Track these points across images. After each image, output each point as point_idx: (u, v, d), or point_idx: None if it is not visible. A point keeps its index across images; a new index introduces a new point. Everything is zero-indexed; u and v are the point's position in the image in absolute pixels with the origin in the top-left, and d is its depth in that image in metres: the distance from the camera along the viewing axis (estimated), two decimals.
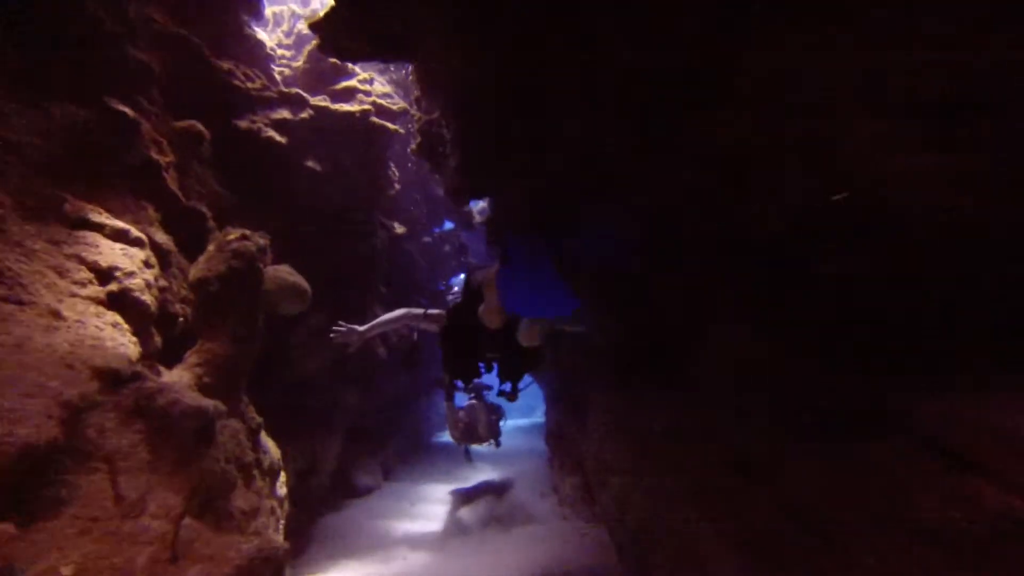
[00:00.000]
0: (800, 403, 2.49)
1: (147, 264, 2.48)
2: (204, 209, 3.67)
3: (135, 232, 2.45)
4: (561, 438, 7.15)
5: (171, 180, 3.09)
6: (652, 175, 3.27)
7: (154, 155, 2.85)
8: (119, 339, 2.00)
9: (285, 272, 2.98)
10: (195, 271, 2.68)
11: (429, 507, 6.51)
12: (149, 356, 2.55)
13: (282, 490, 3.92)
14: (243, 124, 4.05)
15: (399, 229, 6.37)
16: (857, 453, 2.13)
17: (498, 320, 3.40)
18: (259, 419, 3.46)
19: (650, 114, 2.99)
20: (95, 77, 2.46)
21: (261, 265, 2.87)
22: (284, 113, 4.37)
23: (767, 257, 2.47)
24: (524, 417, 17.78)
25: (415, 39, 3.49)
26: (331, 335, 3.78)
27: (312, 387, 5.81)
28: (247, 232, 2.86)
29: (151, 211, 2.83)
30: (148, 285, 2.42)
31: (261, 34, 5.77)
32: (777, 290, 2.40)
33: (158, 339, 2.54)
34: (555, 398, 7.88)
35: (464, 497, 6.88)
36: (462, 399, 6.59)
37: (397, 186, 6.44)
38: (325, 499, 6.19)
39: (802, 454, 2.47)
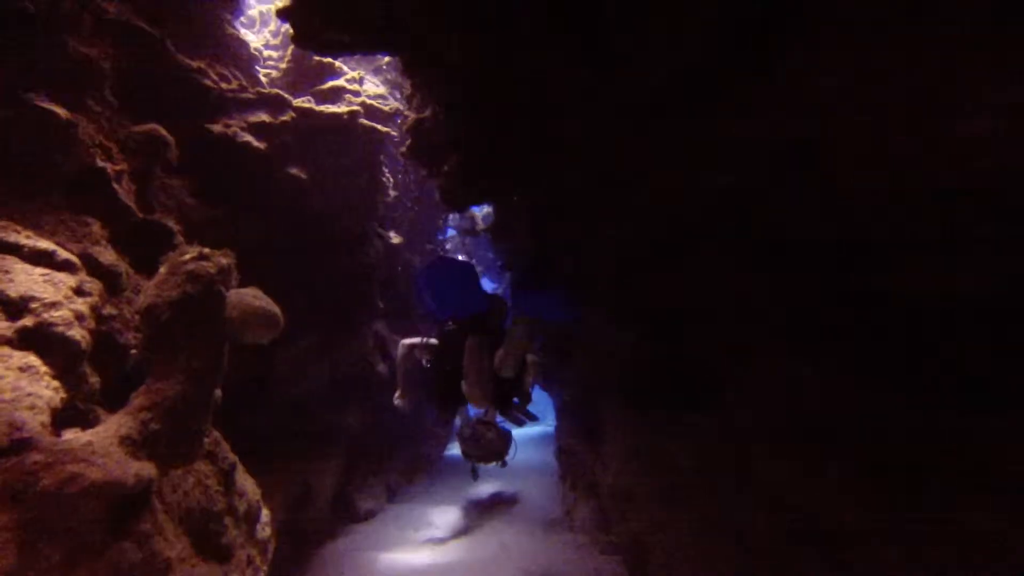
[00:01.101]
0: (885, 451, 2.04)
1: (80, 291, 2.10)
2: (171, 224, 3.29)
3: (64, 253, 2.07)
4: (573, 457, 6.73)
5: (124, 191, 2.71)
6: (673, 176, 2.86)
7: (100, 162, 2.47)
8: (25, 388, 1.61)
9: (250, 296, 2.58)
10: (143, 298, 2.29)
11: (434, 534, 6.09)
12: (85, 400, 2.17)
13: (264, 532, 3.53)
14: (216, 128, 3.68)
15: (396, 238, 5.98)
16: (962, 520, 1.69)
17: (483, 402, 3.69)
18: (232, 458, 3.06)
19: (668, 112, 2.59)
20: (15, 71, 2.09)
21: (223, 289, 2.48)
22: (263, 116, 3.99)
23: (831, 268, 2.04)
24: (533, 424, 17.26)
25: (403, 29, 3.11)
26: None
27: (306, 409, 5.44)
28: (205, 251, 2.47)
29: (96, 228, 2.45)
30: (79, 317, 2.03)
31: (247, 34, 5.43)
32: (849, 308, 1.97)
33: (95, 380, 2.16)
34: (566, 412, 7.46)
35: (471, 522, 6.47)
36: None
37: (393, 193, 6.06)
38: (323, 526, 5.79)
39: (887, 519, 2.01)
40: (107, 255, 2.43)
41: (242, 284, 3.49)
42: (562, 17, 2.39)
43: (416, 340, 4.40)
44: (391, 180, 5.69)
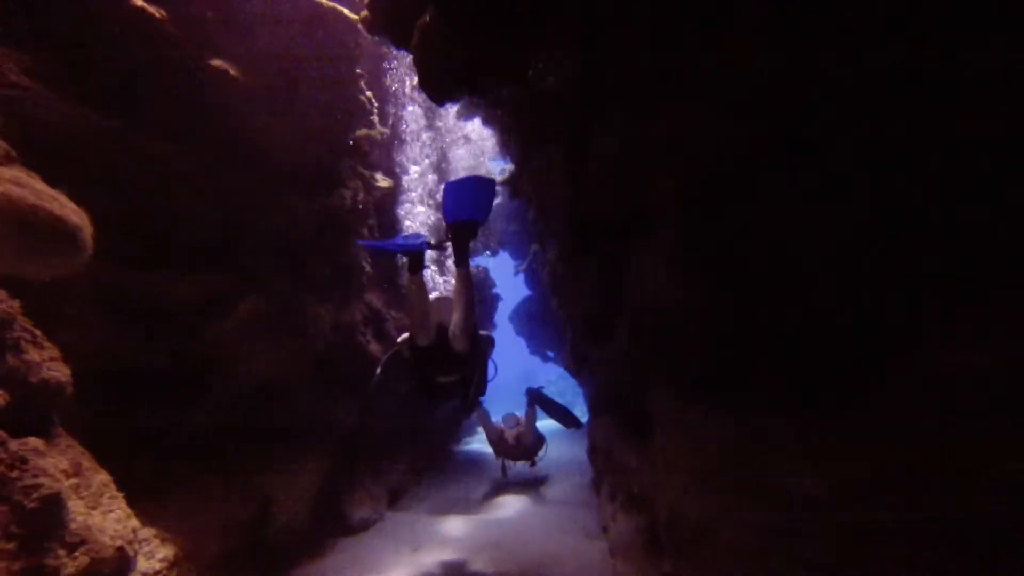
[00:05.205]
0: None
1: None
2: None
3: None
4: (611, 458, 5.39)
5: None
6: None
7: None
8: None
9: (6, 181, 1.29)
10: None
11: (437, 554, 4.85)
12: None
13: None
14: None
15: (383, 181, 4.66)
16: None
17: (427, 335, 3.43)
18: (54, 487, 1.81)
19: None
20: None
21: None
22: None
23: None
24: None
25: None
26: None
27: (267, 398, 4.21)
28: None
29: None
30: None
31: None
32: None
33: None
34: (602, 404, 6.10)
35: (484, 537, 5.22)
36: None
37: (382, 129, 4.75)
38: (291, 547, 4.59)
39: None
40: None
41: (137, 227, 2.24)
42: None
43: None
44: (374, 105, 4.37)
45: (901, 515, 1.81)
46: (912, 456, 1.79)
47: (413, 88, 5.37)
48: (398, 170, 5.72)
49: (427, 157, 6.42)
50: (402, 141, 5.87)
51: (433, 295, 3.72)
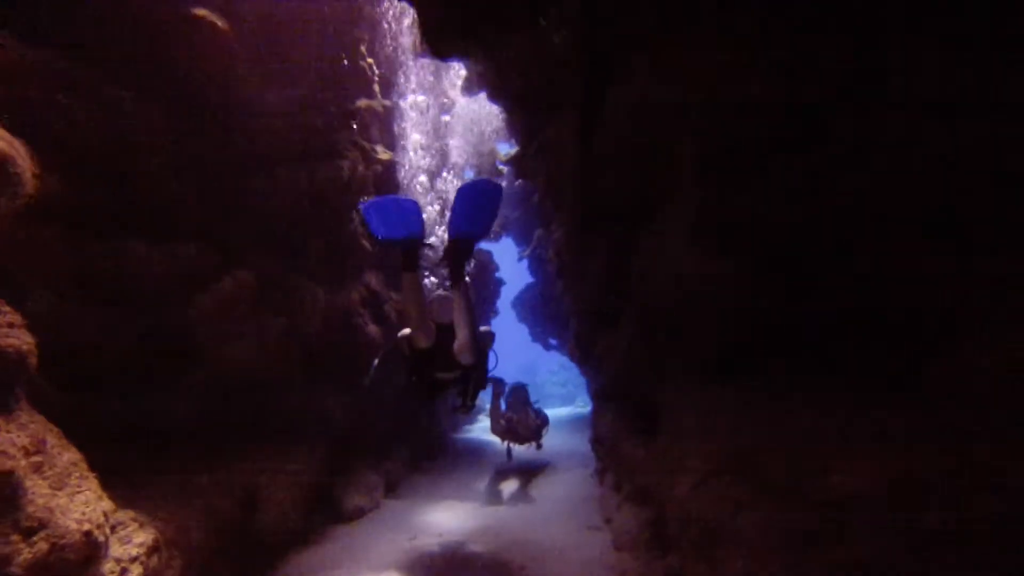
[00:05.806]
0: None
1: None
2: None
3: None
4: (615, 450, 5.21)
5: None
6: None
7: None
8: None
9: None
10: None
11: (433, 543, 4.69)
12: None
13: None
14: None
15: (384, 154, 4.44)
16: None
17: (427, 337, 3.32)
18: (5, 465, 1.64)
19: None
20: None
21: None
22: None
23: None
24: (563, 405, 15.87)
25: None
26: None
27: (256, 385, 4.01)
28: None
29: None
30: None
31: None
32: None
33: None
34: (607, 393, 5.91)
35: (483, 527, 5.06)
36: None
37: (384, 101, 4.53)
38: (290, 533, 4.43)
39: None
40: None
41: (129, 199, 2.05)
42: None
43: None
44: (375, 72, 4.14)
45: (946, 518, 1.62)
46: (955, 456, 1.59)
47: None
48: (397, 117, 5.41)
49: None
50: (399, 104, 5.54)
51: (431, 296, 3.58)
